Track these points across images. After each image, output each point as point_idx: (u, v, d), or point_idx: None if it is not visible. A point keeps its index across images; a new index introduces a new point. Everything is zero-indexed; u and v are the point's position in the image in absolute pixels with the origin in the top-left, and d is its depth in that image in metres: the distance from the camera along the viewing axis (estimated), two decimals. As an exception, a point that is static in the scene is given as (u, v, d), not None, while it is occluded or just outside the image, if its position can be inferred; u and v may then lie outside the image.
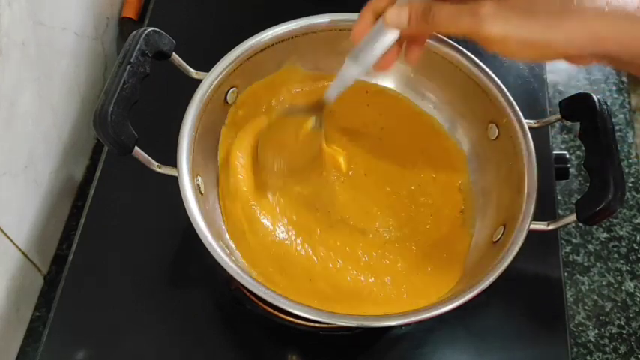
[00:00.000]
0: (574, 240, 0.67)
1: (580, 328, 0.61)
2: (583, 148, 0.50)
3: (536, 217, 0.48)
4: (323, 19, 0.56)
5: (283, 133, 0.54)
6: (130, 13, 0.76)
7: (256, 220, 0.53)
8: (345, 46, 0.58)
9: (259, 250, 0.52)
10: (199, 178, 0.51)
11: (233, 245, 0.52)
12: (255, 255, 0.52)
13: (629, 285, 0.64)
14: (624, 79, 0.79)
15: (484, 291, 0.44)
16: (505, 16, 0.37)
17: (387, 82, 0.61)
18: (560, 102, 0.53)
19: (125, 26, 0.77)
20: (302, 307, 0.43)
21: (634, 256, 0.66)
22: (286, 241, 0.53)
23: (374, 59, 0.45)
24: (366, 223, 0.55)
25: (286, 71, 0.58)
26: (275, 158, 0.55)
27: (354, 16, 0.56)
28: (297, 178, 0.55)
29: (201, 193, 0.50)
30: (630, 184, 0.71)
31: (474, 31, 0.39)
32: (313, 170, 0.56)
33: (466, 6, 0.39)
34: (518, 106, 0.53)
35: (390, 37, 0.43)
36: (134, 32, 0.48)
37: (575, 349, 0.60)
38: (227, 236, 0.53)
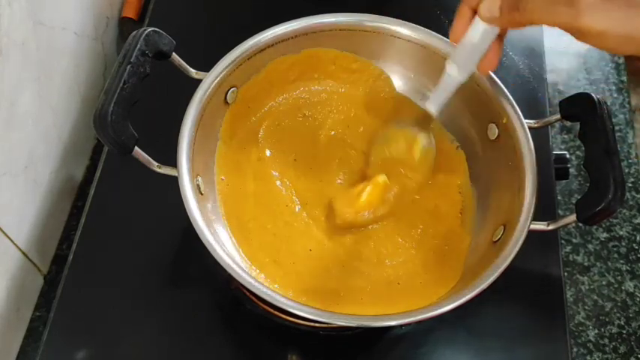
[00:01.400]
0: (574, 240, 0.67)
1: (580, 328, 0.61)
2: (583, 148, 0.50)
3: (536, 217, 0.48)
4: (323, 19, 0.56)
5: (396, 146, 0.54)
6: (130, 13, 0.76)
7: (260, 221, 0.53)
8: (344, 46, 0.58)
9: (261, 249, 0.52)
10: (199, 178, 0.51)
11: (235, 241, 0.52)
12: (258, 253, 0.52)
13: (629, 285, 0.64)
14: (624, 79, 0.79)
15: (484, 291, 0.44)
16: (606, 8, 0.35)
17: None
18: (560, 102, 0.53)
19: (125, 26, 0.77)
20: (302, 307, 0.43)
21: (634, 256, 0.66)
22: (289, 241, 0.53)
23: (477, 60, 0.44)
24: (365, 225, 0.55)
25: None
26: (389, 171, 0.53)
27: (354, 16, 0.56)
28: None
29: (201, 193, 0.50)
30: (630, 184, 0.71)
31: (570, 24, 0.36)
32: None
33: None
34: (518, 106, 0.53)
35: (490, 32, 0.41)
36: (134, 32, 0.48)
37: (575, 349, 0.60)
38: (229, 232, 0.53)
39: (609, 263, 0.65)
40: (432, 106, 0.51)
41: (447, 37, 0.55)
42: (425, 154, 0.54)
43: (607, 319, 0.62)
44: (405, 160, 0.54)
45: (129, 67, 0.46)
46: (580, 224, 0.50)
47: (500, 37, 0.43)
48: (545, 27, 0.46)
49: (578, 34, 0.37)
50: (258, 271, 0.51)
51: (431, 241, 0.54)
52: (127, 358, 0.53)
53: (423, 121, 0.53)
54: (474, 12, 0.42)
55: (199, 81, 0.51)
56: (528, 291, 0.57)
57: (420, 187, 0.54)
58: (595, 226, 0.68)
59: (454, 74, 0.46)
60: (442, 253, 0.54)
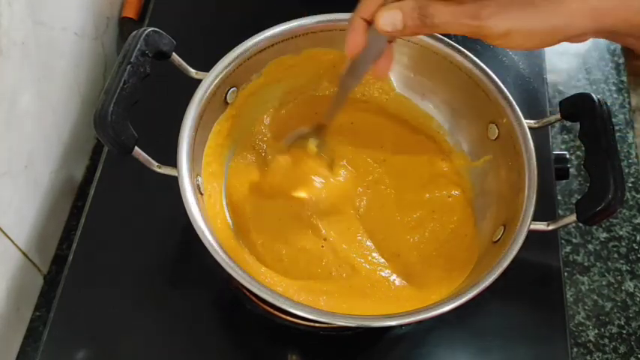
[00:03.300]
0: (574, 240, 0.67)
1: (580, 328, 0.61)
2: (583, 148, 0.50)
3: (536, 217, 0.48)
4: (323, 19, 0.56)
5: (292, 162, 0.55)
6: (130, 13, 0.76)
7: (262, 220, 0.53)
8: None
9: (262, 248, 0.52)
10: (199, 178, 0.51)
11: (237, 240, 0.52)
12: (258, 253, 0.52)
13: (629, 285, 0.64)
14: (624, 79, 0.79)
15: (484, 291, 0.44)
16: (506, 12, 0.37)
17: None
18: (560, 102, 0.53)
19: (125, 26, 0.77)
20: (302, 307, 0.43)
21: (634, 256, 0.66)
22: (289, 240, 0.53)
23: (369, 66, 0.44)
24: (365, 225, 0.55)
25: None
26: (290, 189, 0.55)
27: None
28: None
29: (201, 193, 0.50)
30: (630, 184, 0.71)
31: (476, 32, 0.38)
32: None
33: (465, 8, 0.38)
34: (518, 106, 0.53)
35: (384, 40, 0.41)
36: (134, 32, 0.48)
37: (575, 349, 0.60)
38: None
39: (609, 263, 0.65)
40: (328, 117, 0.52)
41: (447, 37, 0.55)
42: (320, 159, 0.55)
43: (607, 319, 0.62)
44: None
45: (129, 67, 0.46)
46: (580, 224, 0.50)
47: (391, 41, 0.44)
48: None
49: (485, 38, 0.38)
50: (258, 270, 0.51)
51: (433, 241, 0.54)
52: (127, 358, 0.53)
53: (317, 130, 0.54)
54: (368, 23, 0.41)
55: (199, 81, 0.51)
56: (528, 291, 0.57)
57: None
58: (595, 226, 0.67)
59: (349, 85, 0.46)
60: (445, 253, 0.54)
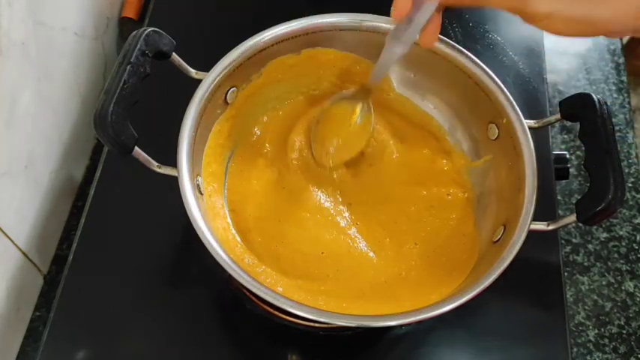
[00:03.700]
0: (574, 240, 0.67)
1: (580, 328, 0.61)
2: (583, 148, 0.50)
3: (536, 217, 0.48)
4: (323, 19, 0.56)
5: (334, 121, 0.55)
6: (130, 13, 0.76)
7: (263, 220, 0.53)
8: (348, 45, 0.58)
9: (262, 247, 0.52)
10: (199, 178, 0.51)
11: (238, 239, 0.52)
12: (258, 252, 0.52)
13: (629, 285, 0.64)
14: (624, 79, 0.79)
15: (484, 291, 0.44)
16: None
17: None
18: (560, 102, 0.53)
19: (125, 26, 0.77)
20: (302, 307, 0.43)
21: (634, 256, 0.66)
22: (286, 242, 0.53)
23: (416, 34, 0.44)
24: (365, 225, 0.55)
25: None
26: (328, 146, 0.55)
27: (354, 16, 0.56)
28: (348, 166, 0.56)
29: (201, 193, 0.50)
30: (630, 184, 0.71)
31: (519, 8, 0.38)
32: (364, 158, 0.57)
33: None
34: (518, 106, 0.53)
35: (431, 6, 0.41)
36: (134, 32, 0.48)
37: (575, 349, 0.60)
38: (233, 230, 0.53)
39: (609, 263, 0.65)
40: (374, 79, 0.52)
41: (447, 37, 0.55)
42: (363, 123, 0.55)
43: (607, 319, 0.62)
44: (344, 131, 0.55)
45: (129, 67, 0.46)
46: (580, 224, 0.50)
47: (440, 8, 0.43)
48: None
49: (526, 17, 0.38)
50: (258, 270, 0.51)
51: (433, 241, 0.54)
52: (127, 358, 0.53)
53: (364, 92, 0.54)
54: None
55: (199, 81, 0.51)
56: (528, 291, 0.57)
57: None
58: (595, 226, 0.67)
59: (396, 50, 0.47)
60: (445, 253, 0.54)
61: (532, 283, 0.58)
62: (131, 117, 0.45)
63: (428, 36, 0.45)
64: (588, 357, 0.60)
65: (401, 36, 0.45)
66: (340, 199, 0.56)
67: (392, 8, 0.43)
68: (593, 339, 0.61)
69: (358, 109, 0.54)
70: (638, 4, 0.37)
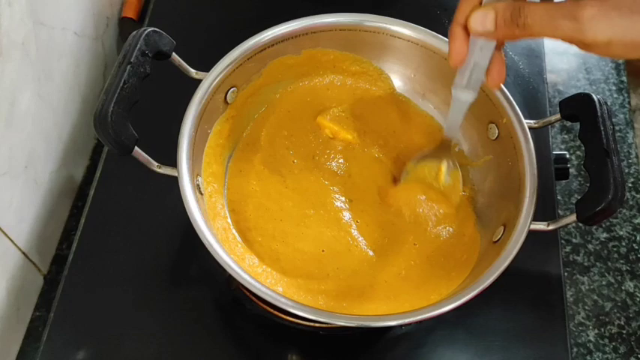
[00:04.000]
0: (574, 240, 0.67)
1: (580, 328, 0.61)
2: (583, 148, 0.50)
3: (536, 217, 0.48)
4: (323, 19, 0.56)
5: (422, 181, 0.54)
6: (130, 13, 0.76)
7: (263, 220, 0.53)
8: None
9: (262, 248, 0.52)
10: (199, 178, 0.51)
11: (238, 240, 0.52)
12: (258, 252, 0.52)
13: (629, 285, 0.64)
14: (624, 79, 0.79)
15: (484, 291, 0.44)
16: (609, 17, 0.34)
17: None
18: (560, 102, 0.53)
19: (125, 26, 0.77)
20: (302, 307, 0.43)
21: (634, 256, 0.66)
22: (286, 242, 0.53)
23: (482, 76, 0.42)
24: (365, 225, 0.55)
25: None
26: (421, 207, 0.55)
27: (354, 16, 0.56)
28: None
29: (201, 193, 0.50)
30: (630, 184, 0.71)
31: (574, 37, 0.35)
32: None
33: (563, 6, 0.35)
34: (518, 106, 0.53)
35: (489, 45, 0.40)
36: (134, 32, 0.48)
37: (575, 349, 0.60)
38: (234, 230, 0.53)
39: (609, 263, 0.65)
40: (450, 133, 0.51)
41: (447, 37, 0.55)
42: (453, 179, 0.54)
43: (607, 319, 0.62)
44: (433, 187, 0.54)
45: (129, 67, 0.46)
46: (580, 224, 0.50)
47: (499, 46, 0.42)
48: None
49: (584, 46, 0.36)
50: (258, 270, 0.51)
51: (433, 240, 0.54)
52: (127, 358, 0.53)
53: (444, 148, 0.53)
54: (467, 30, 0.40)
55: (199, 81, 0.51)
56: (528, 291, 0.57)
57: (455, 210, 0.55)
58: (595, 226, 0.67)
59: (463, 98, 0.45)
60: (445, 253, 0.54)
61: (532, 283, 0.58)
62: (131, 117, 0.45)
63: (494, 76, 0.42)
64: (588, 357, 0.60)
65: (466, 82, 0.43)
66: (340, 199, 0.56)
67: (449, 55, 0.41)
68: (593, 339, 0.61)
69: (444, 167, 0.52)
70: None
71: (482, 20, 0.37)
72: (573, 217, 0.47)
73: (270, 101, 0.60)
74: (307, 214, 0.55)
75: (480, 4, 0.38)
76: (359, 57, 0.59)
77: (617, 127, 0.75)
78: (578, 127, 0.51)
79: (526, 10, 0.36)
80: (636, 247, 0.67)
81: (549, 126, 0.57)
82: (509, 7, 0.36)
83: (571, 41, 0.36)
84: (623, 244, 0.67)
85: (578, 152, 0.73)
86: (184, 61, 0.52)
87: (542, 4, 0.36)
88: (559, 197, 0.69)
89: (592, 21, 0.34)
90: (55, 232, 0.65)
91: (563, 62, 0.79)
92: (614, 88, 0.78)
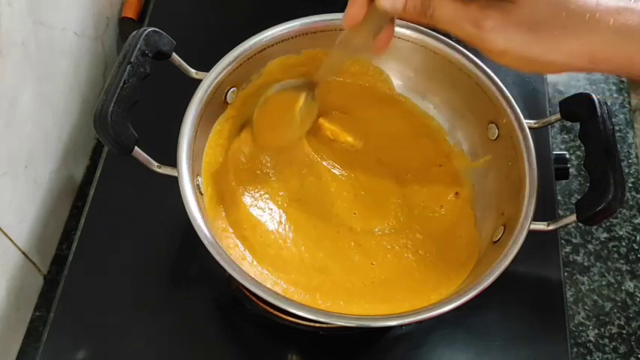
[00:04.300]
0: (574, 240, 0.67)
1: (580, 328, 0.61)
2: (583, 148, 0.50)
3: (536, 217, 0.48)
4: (323, 19, 0.56)
5: (279, 107, 0.54)
6: (130, 13, 0.76)
7: (255, 219, 0.53)
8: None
9: (261, 248, 0.52)
10: (199, 178, 0.51)
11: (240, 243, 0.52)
12: (257, 253, 0.52)
13: (629, 285, 0.64)
14: (624, 79, 0.79)
15: (484, 291, 0.44)
16: (507, 31, 0.37)
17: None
18: (560, 102, 0.53)
19: (125, 26, 0.77)
20: (302, 307, 0.43)
21: (634, 256, 0.66)
22: (285, 241, 0.53)
23: (369, 39, 0.44)
24: (365, 224, 0.55)
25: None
26: (272, 133, 0.55)
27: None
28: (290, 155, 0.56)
29: (201, 193, 0.50)
30: (630, 184, 0.71)
31: (474, 41, 0.38)
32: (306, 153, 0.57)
33: (469, 11, 0.37)
34: (518, 106, 0.53)
35: (385, 16, 0.41)
36: (134, 32, 0.48)
37: (575, 349, 0.60)
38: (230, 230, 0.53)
39: (609, 263, 0.65)
40: (320, 76, 0.52)
41: (447, 37, 0.55)
42: (306, 116, 0.55)
43: (607, 319, 0.62)
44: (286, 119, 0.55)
45: (129, 67, 0.46)
46: (580, 224, 0.50)
47: (392, 19, 0.43)
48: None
49: (482, 50, 0.38)
50: (258, 270, 0.51)
51: (433, 240, 0.54)
52: (127, 358, 0.53)
53: (308, 86, 0.54)
54: None
55: (199, 81, 0.51)
56: (528, 291, 0.57)
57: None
58: (595, 226, 0.67)
59: (345, 53, 0.47)
60: (445, 253, 0.54)
61: (532, 282, 0.58)
62: (131, 117, 0.45)
63: (380, 43, 0.44)
64: (588, 357, 0.60)
65: (351, 42, 0.45)
66: (340, 199, 0.56)
67: (344, 16, 0.42)
68: (593, 339, 0.61)
69: (302, 98, 0.53)
70: (592, 49, 0.37)
71: (392, 1, 0.39)
72: (573, 217, 0.47)
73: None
74: (306, 215, 0.55)
75: None
76: (359, 57, 0.59)
77: (617, 127, 0.75)
78: (578, 127, 0.51)
79: (435, 2, 0.38)
80: (636, 247, 0.67)
81: (549, 126, 0.57)
82: None
83: (471, 44, 0.39)
84: (623, 244, 0.67)
85: (578, 152, 0.73)
86: (184, 61, 0.52)
87: (452, 2, 0.38)
88: (559, 197, 0.69)
89: (492, 32, 0.37)
90: (55, 232, 0.65)
91: (563, 62, 0.79)
92: (614, 88, 0.78)
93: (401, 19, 0.43)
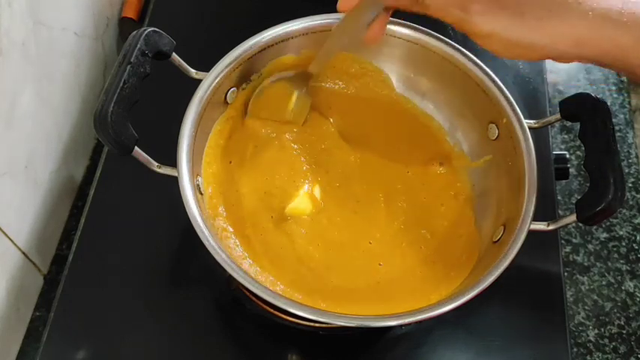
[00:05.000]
0: (574, 240, 0.67)
1: (580, 328, 0.61)
2: (583, 148, 0.50)
3: (536, 217, 0.48)
4: (323, 19, 0.56)
5: (272, 101, 0.55)
6: (130, 13, 0.76)
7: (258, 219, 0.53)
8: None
9: (261, 248, 0.52)
10: (199, 178, 0.51)
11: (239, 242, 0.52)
12: (257, 253, 0.52)
13: (629, 285, 0.64)
14: (624, 79, 0.79)
15: (484, 291, 0.44)
16: (494, 15, 0.38)
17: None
18: (560, 102, 0.53)
19: (125, 26, 0.77)
20: (302, 307, 0.43)
21: (634, 256, 0.66)
22: (286, 241, 0.53)
23: (363, 28, 0.45)
24: (367, 226, 0.55)
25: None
26: (265, 125, 0.56)
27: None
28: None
29: (201, 193, 0.50)
30: (630, 184, 0.71)
31: (461, 25, 0.39)
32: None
33: None
34: (518, 106, 0.53)
35: (379, 4, 0.42)
36: (134, 32, 0.48)
37: (575, 349, 0.60)
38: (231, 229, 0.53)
39: (609, 263, 0.65)
40: (314, 68, 0.53)
41: (448, 37, 0.55)
42: (300, 108, 0.56)
43: (607, 319, 0.62)
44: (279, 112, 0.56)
45: (129, 67, 0.46)
46: (580, 224, 0.50)
47: (388, 9, 0.44)
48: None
49: (468, 33, 0.40)
50: (258, 270, 0.51)
51: (433, 240, 0.54)
52: (127, 358, 0.53)
53: (302, 78, 0.55)
54: None
55: (199, 81, 0.51)
56: (528, 291, 0.57)
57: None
58: (595, 226, 0.67)
59: (340, 41, 0.47)
60: (445, 253, 0.54)
61: (532, 283, 0.58)
62: (131, 117, 0.45)
63: (373, 33, 0.45)
64: (588, 357, 0.60)
65: (346, 30, 0.45)
66: (340, 199, 0.56)
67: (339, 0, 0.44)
68: (593, 339, 0.61)
69: (295, 95, 0.55)
70: (577, 33, 0.38)
71: None
72: (573, 217, 0.47)
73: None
74: (308, 215, 0.55)
75: None
76: (359, 57, 0.59)
77: (617, 127, 0.75)
78: (578, 127, 0.51)
79: None
80: (636, 247, 0.67)
81: (549, 126, 0.57)
82: None
83: (459, 28, 0.40)
84: (623, 244, 0.67)
85: (578, 152, 0.73)
86: (184, 61, 0.52)
87: None
88: (559, 197, 0.69)
89: (478, 15, 0.38)
90: (55, 232, 0.65)
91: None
92: (614, 88, 0.78)
93: (393, 7, 0.44)
